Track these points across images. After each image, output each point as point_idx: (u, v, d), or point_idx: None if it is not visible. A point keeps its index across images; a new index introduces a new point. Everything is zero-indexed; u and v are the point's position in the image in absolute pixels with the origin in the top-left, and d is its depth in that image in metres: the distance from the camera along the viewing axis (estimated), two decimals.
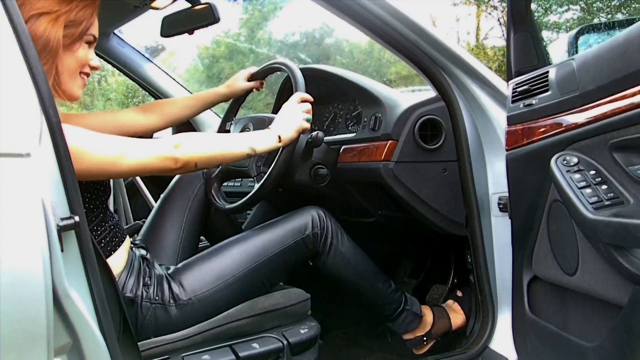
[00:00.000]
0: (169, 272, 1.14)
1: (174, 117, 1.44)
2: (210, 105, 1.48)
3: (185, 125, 2.37)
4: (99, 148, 0.91)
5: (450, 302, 1.51)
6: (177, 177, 1.48)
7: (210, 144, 1.05)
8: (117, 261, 1.06)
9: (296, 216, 1.24)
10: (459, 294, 1.51)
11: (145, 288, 1.07)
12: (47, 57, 0.93)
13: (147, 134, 1.44)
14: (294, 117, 1.17)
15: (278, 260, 1.18)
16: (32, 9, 0.92)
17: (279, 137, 1.13)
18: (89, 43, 1.01)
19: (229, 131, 1.56)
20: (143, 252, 1.17)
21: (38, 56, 0.89)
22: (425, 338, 1.42)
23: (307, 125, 1.19)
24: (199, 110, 1.47)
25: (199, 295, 1.09)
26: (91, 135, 0.93)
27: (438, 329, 1.43)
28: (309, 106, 1.21)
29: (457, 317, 1.46)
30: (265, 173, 1.26)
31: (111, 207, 1.89)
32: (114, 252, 1.06)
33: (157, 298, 1.07)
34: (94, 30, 1.01)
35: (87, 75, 1.03)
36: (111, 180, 1.77)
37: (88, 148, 0.90)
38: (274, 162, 1.23)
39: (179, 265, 1.17)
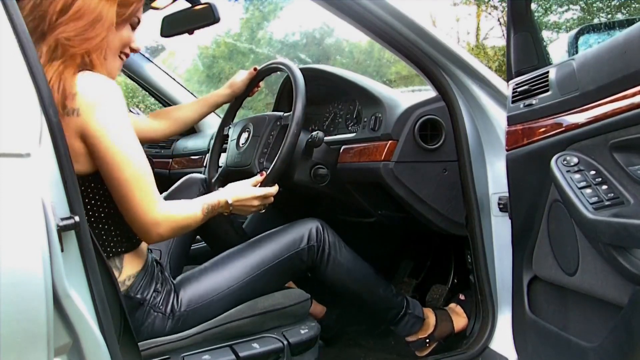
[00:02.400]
0: (175, 282, 1.14)
1: (183, 121, 1.46)
2: (215, 106, 1.49)
3: None
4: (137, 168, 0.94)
5: (453, 305, 1.51)
6: (177, 184, 1.49)
7: (182, 227, 1.04)
8: (138, 257, 1.06)
9: (293, 229, 1.24)
10: (462, 297, 1.51)
11: (155, 294, 1.07)
12: (100, 29, 0.95)
13: (162, 139, 1.49)
14: (250, 204, 1.16)
15: (273, 273, 1.18)
16: None
17: (230, 205, 1.13)
18: (132, 25, 1.05)
19: (227, 136, 1.56)
20: (155, 256, 1.17)
21: (90, 26, 0.94)
22: (427, 340, 1.42)
23: (255, 210, 1.19)
24: (206, 113, 1.49)
25: (193, 307, 1.09)
26: (134, 144, 0.95)
27: (441, 332, 1.44)
28: (269, 201, 1.20)
29: (459, 320, 1.46)
30: (268, 169, 1.26)
31: None
32: (138, 246, 1.06)
33: (161, 307, 1.07)
34: (140, 13, 1.05)
35: (127, 55, 1.06)
36: None
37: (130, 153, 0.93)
38: (277, 156, 1.23)
39: (178, 278, 1.17)
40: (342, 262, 1.26)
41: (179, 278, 1.17)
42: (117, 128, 0.92)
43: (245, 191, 1.17)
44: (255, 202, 1.17)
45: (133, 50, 1.06)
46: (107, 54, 1.00)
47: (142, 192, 0.95)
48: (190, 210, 1.06)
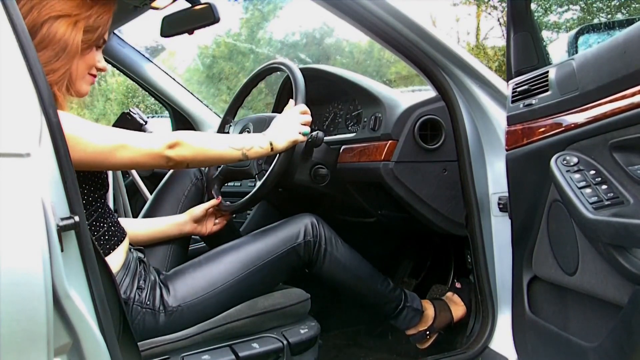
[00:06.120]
0: (161, 277, 1.13)
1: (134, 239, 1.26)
2: (166, 228, 1.32)
3: (185, 124, 2.38)
4: (95, 138, 0.93)
5: (449, 294, 1.51)
6: (166, 176, 1.47)
7: (205, 146, 1.06)
8: (115, 260, 1.06)
9: (289, 224, 1.24)
10: (458, 285, 1.51)
11: (139, 291, 1.07)
12: (65, 59, 0.94)
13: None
14: (290, 128, 1.17)
15: (269, 268, 1.17)
16: (52, 11, 0.93)
17: (271, 145, 1.14)
18: (98, 46, 1.03)
19: (228, 133, 1.56)
20: (140, 254, 1.16)
21: (55, 57, 0.92)
22: (428, 332, 1.43)
23: (302, 138, 1.19)
24: (153, 237, 1.31)
25: (188, 302, 1.09)
26: (88, 125, 0.94)
27: (440, 322, 1.44)
28: (308, 118, 1.21)
29: (457, 308, 1.46)
30: (267, 171, 1.26)
31: (111, 206, 1.88)
32: (113, 250, 1.06)
33: (148, 303, 1.06)
34: (107, 35, 1.03)
35: (94, 76, 1.05)
36: (110, 176, 1.76)
37: (84, 137, 0.91)
38: (275, 160, 1.23)
39: (171, 271, 1.17)
40: (338, 257, 1.26)
41: (171, 271, 1.17)
42: (79, 134, 0.91)
43: (279, 126, 1.16)
44: (295, 127, 1.17)
45: (100, 70, 1.05)
46: (74, 80, 0.99)
47: (126, 151, 0.96)
48: (212, 144, 1.06)
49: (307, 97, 1.27)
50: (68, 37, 0.94)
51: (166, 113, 2.49)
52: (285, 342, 1.12)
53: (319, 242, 1.24)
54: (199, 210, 1.34)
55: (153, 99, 2.39)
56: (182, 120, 2.39)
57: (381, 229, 1.68)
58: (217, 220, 1.38)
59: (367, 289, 1.34)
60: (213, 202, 1.36)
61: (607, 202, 0.80)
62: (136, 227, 1.28)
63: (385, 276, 1.38)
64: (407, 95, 1.45)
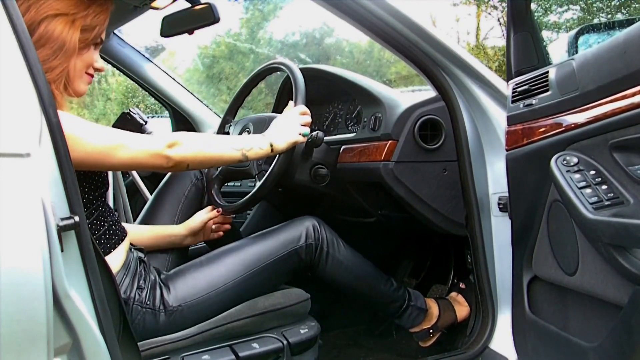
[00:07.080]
0: (162, 277, 1.13)
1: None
2: (168, 242, 1.32)
3: (185, 124, 2.38)
4: (94, 138, 0.93)
5: (454, 294, 1.52)
6: (167, 176, 1.47)
7: (205, 147, 1.06)
8: (116, 260, 1.06)
9: (290, 227, 1.24)
10: (462, 285, 1.52)
11: (139, 291, 1.07)
12: (62, 57, 0.95)
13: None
14: (290, 129, 1.18)
15: (270, 270, 1.18)
16: (50, 9, 0.93)
17: (271, 146, 1.14)
18: (96, 45, 1.03)
19: (228, 133, 1.56)
20: (141, 254, 1.16)
21: (52, 55, 0.93)
22: (431, 330, 1.43)
23: (302, 139, 1.19)
24: (155, 246, 1.31)
25: (188, 302, 1.09)
26: (87, 125, 0.94)
27: (444, 321, 1.44)
28: (308, 119, 1.21)
29: (462, 309, 1.47)
30: (267, 171, 1.26)
31: (111, 206, 1.88)
32: (114, 249, 1.06)
33: (148, 303, 1.06)
34: (104, 34, 1.03)
35: (91, 75, 1.05)
36: (110, 175, 1.77)
37: (83, 137, 0.91)
38: (275, 160, 1.24)
39: (171, 271, 1.17)
40: (340, 259, 1.27)
41: (172, 271, 1.17)
42: (79, 134, 0.91)
43: (278, 127, 1.16)
44: (294, 128, 1.18)
45: (97, 70, 1.05)
46: (72, 79, 1.00)
47: (126, 150, 0.95)
48: (212, 145, 1.06)
49: (307, 97, 1.27)
50: (65, 35, 0.95)
51: (166, 113, 2.49)
52: (285, 342, 1.12)
53: (320, 245, 1.24)
54: (196, 223, 1.34)
55: (153, 99, 2.39)
56: (182, 121, 2.39)
57: (381, 229, 1.68)
58: (214, 227, 1.38)
59: (371, 289, 1.34)
60: (212, 214, 1.36)
61: (607, 202, 0.80)
62: (137, 236, 1.27)
63: (389, 276, 1.38)
64: (407, 95, 1.45)
